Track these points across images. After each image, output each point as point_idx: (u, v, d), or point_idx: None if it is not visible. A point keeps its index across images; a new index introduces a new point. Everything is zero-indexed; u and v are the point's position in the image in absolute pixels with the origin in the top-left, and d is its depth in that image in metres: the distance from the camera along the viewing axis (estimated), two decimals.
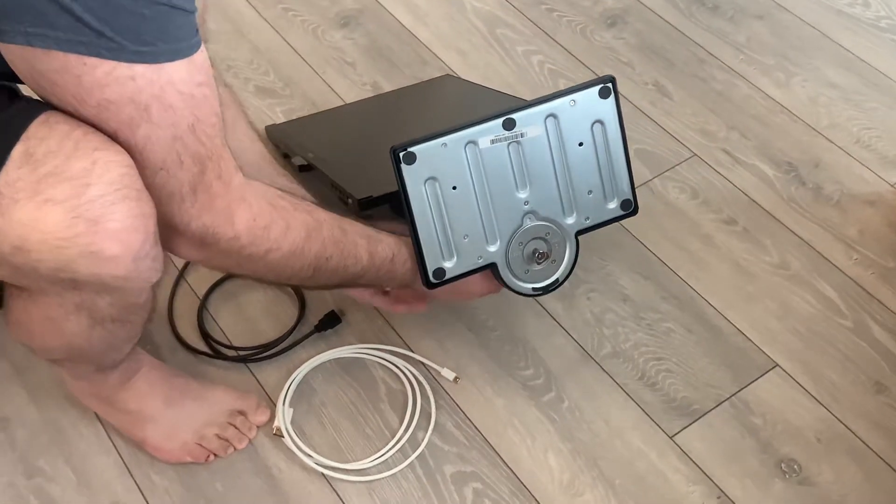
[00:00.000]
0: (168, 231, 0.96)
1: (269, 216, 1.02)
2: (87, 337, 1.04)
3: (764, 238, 1.52)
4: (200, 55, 0.90)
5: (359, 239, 1.14)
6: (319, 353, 1.39)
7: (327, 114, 1.64)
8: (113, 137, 0.88)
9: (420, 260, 1.20)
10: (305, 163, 1.46)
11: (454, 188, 1.20)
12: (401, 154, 1.16)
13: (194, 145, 0.92)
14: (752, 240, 1.52)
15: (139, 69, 0.85)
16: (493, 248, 1.23)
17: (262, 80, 1.79)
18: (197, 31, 0.90)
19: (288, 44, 1.85)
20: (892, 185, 1.59)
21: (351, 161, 1.35)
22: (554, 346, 1.40)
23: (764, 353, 1.39)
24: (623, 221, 1.45)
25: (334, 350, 1.40)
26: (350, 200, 1.31)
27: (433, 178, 1.19)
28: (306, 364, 1.38)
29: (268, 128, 1.62)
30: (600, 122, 1.23)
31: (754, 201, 1.57)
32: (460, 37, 1.85)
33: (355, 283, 1.19)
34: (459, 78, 1.71)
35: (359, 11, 1.92)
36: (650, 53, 1.81)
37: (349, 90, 1.76)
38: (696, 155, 1.64)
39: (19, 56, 0.85)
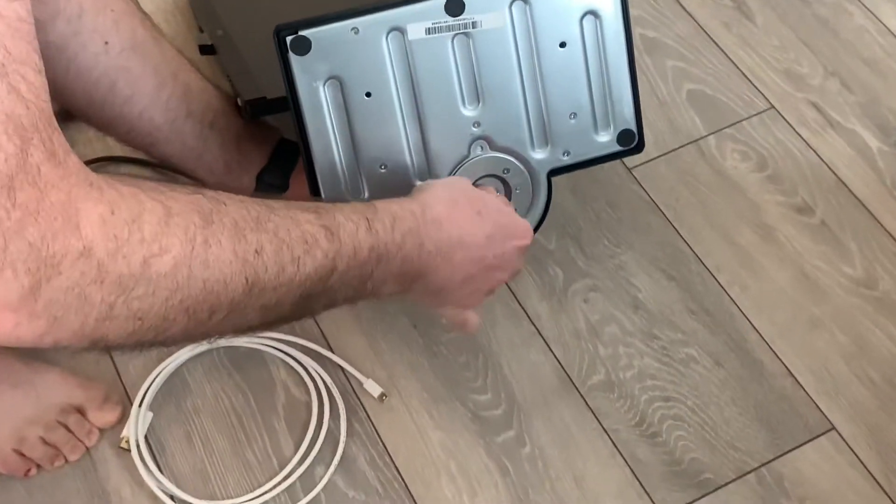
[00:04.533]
0: None
1: (133, 201, 0.80)
2: None
3: (848, 239, 1.42)
4: None
5: (300, 213, 0.95)
6: None
7: None
8: None
9: (315, 195, 1.17)
10: (209, 43, 1.40)
11: (368, 95, 1.15)
12: (288, 39, 1.11)
13: (9, 101, 0.72)
14: (831, 240, 1.42)
15: None
16: (444, 179, 1.18)
17: None
18: None
19: None
20: None
21: (266, 47, 1.26)
22: (526, 362, 1.32)
23: (818, 408, 1.28)
24: (651, 193, 1.45)
25: None
26: (239, 101, 1.26)
27: (336, 79, 1.13)
28: (183, 350, 1.30)
29: None
30: (594, 12, 1.18)
31: (844, 184, 1.47)
32: None
33: (330, 296, 0.99)
34: None
35: None
36: None
37: None
38: (773, 107, 1.54)
39: None
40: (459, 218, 1.06)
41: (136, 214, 0.79)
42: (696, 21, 1.62)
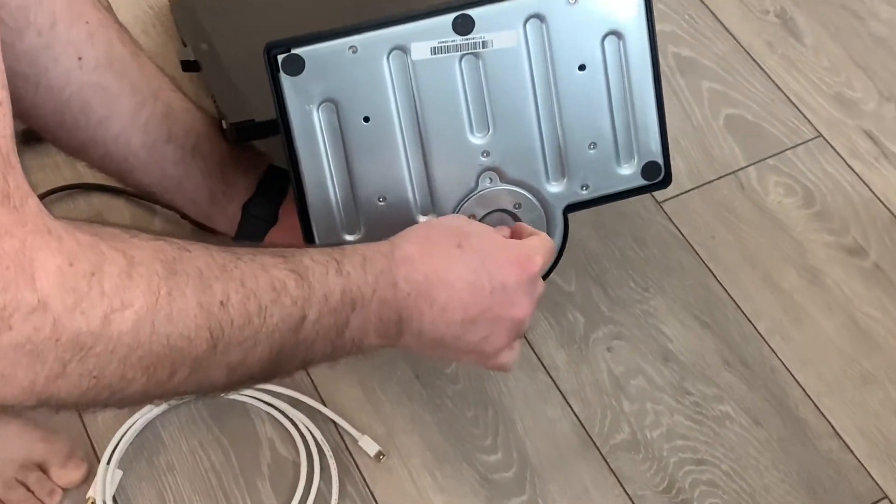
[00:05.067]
0: None
1: (92, 252, 0.81)
2: None
3: None
4: None
5: (268, 258, 0.96)
6: None
7: None
8: None
9: (306, 229, 1.17)
10: (192, 58, 1.40)
11: (366, 120, 1.15)
12: (279, 57, 1.11)
13: None
14: (885, 284, 1.40)
15: None
16: (426, 220, 1.19)
17: None
18: None
19: None
20: None
21: (255, 64, 1.26)
22: (542, 419, 1.30)
23: (869, 474, 1.26)
24: (683, 229, 1.45)
25: None
26: (224, 124, 1.26)
27: (331, 101, 1.14)
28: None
29: None
30: (616, 33, 1.18)
31: None
32: None
33: (304, 351, 0.98)
34: None
35: None
36: None
37: None
38: (821, 136, 1.53)
39: None
40: (434, 254, 1.04)
41: (97, 266, 0.79)
42: (736, 39, 1.61)
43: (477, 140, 1.18)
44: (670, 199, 1.44)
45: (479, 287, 1.04)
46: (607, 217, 1.38)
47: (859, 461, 1.25)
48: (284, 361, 0.96)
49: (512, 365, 1.11)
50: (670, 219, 1.44)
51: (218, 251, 0.91)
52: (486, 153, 1.18)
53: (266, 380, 0.99)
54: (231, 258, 0.91)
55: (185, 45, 1.47)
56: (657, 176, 1.22)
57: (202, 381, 0.90)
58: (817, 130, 1.53)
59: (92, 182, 1.38)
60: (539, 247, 1.09)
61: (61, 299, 0.77)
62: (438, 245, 1.05)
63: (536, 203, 1.20)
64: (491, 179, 1.18)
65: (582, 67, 1.18)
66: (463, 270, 1.04)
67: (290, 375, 1.01)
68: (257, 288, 0.91)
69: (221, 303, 0.88)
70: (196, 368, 0.88)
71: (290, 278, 0.94)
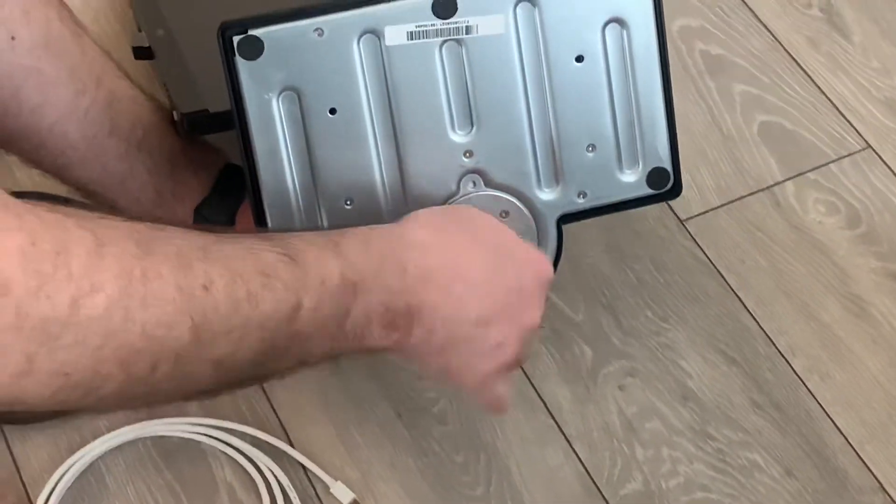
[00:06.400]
0: None
1: (58, 230, 0.81)
2: None
3: None
4: None
5: (253, 240, 0.97)
6: (127, 424, 1.31)
7: None
8: None
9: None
10: (146, 44, 1.41)
11: (332, 112, 1.15)
12: (235, 39, 1.11)
13: None
14: None
15: None
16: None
17: None
18: None
19: None
20: None
21: (214, 50, 1.26)
22: (542, 466, 1.29)
23: None
24: (709, 252, 1.45)
25: (155, 422, 1.31)
26: (175, 115, 1.28)
27: (293, 90, 1.14)
28: (101, 440, 1.28)
29: None
30: (619, 20, 1.18)
31: None
32: None
33: (301, 346, 0.99)
34: None
35: None
36: None
37: None
38: (869, 147, 1.52)
39: None
40: (449, 245, 1.05)
41: (62, 245, 0.79)
42: (773, 35, 1.62)
43: (459, 138, 1.17)
44: (695, 217, 1.44)
45: (496, 285, 1.06)
46: (621, 237, 1.38)
47: None
48: (278, 358, 0.96)
49: (507, 401, 1.11)
50: (694, 240, 1.44)
51: (197, 232, 0.91)
52: (469, 153, 1.17)
53: (256, 381, 1.01)
54: (212, 239, 0.91)
55: (139, 31, 1.47)
56: (665, 184, 1.22)
57: (186, 381, 0.90)
58: (865, 141, 1.52)
59: (29, 189, 1.38)
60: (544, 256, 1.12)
61: (24, 283, 0.77)
62: (453, 234, 1.06)
63: (526, 211, 1.19)
64: (474, 183, 1.18)
65: (580, 59, 1.18)
66: (480, 265, 1.06)
67: (282, 377, 1.02)
68: (244, 271, 0.91)
69: (204, 286, 0.87)
70: (179, 363, 0.88)
71: (281, 261, 0.94)
